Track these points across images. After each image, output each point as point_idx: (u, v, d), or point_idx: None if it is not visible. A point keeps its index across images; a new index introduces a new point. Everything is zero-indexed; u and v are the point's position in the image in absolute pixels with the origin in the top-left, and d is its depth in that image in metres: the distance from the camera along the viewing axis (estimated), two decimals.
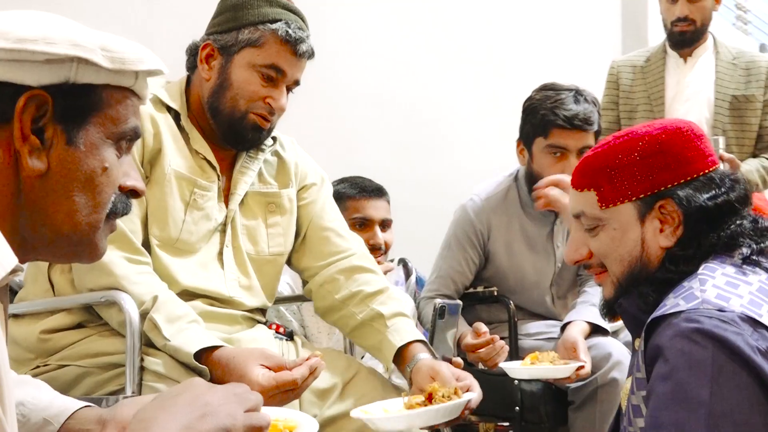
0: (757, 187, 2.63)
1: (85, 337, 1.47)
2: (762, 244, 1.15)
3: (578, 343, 2.08)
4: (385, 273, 2.13)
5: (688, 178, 1.19)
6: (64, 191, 0.84)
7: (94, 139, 0.85)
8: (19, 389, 1.04)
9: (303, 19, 1.58)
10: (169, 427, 0.82)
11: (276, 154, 1.69)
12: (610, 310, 1.29)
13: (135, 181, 0.91)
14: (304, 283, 1.74)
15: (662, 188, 1.19)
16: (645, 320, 1.15)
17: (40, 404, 1.03)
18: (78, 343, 1.47)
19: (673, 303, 1.08)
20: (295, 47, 1.52)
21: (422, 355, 1.51)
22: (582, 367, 2.01)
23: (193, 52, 1.59)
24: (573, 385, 2.15)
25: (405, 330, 1.56)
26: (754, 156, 2.77)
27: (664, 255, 1.19)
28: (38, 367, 1.47)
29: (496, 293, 2.31)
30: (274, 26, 1.51)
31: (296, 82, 1.58)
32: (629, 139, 1.22)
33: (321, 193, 1.74)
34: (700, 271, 1.13)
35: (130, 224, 1.44)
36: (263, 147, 1.65)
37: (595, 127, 2.16)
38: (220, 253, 1.57)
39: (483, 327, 2.08)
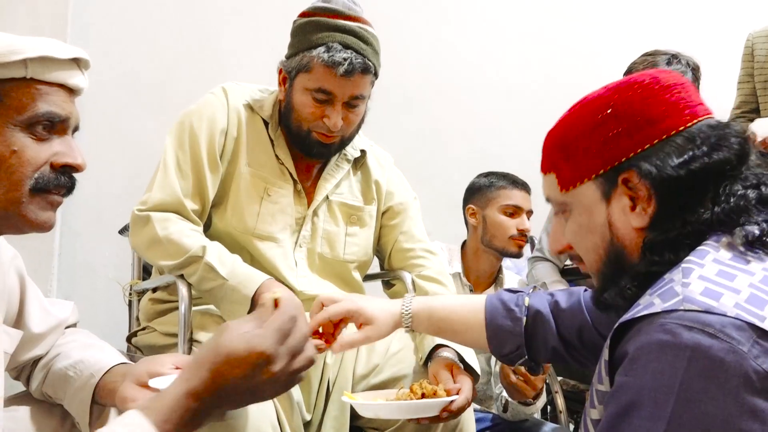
0: None
1: (173, 309, 1.63)
2: None
3: None
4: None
5: (654, 142, 0.94)
6: None
7: None
8: (85, 351, 1.23)
9: (356, 34, 1.58)
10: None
11: (365, 171, 1.78)
12: (598, 304, 1.05)
13: (70, 158, 0.95)
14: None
15: (622, 159, 0.95)
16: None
17: (92, 361, 1.20)
18: (165, 314, 1.66)
19: (647, 302, 0.84)
20: (335, 69, 1.55)
21: (442, 354, 1.54)
22: None
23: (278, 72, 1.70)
24: None
25: None
26: None
27: (643, 243, 0.94)
28: (144, 329, 1.70)
29: None
30: (314, 53, 1.57)
31: (354, 97, 1.61)
32: (579, 107, 1.00)
33: (407, 215, 1.81)
34: (687, 257, 0.88)
35: (191, 204, 1.59)
36: (348, 158, 1.74)
37: None
38: (293, 251, 1.68)
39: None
